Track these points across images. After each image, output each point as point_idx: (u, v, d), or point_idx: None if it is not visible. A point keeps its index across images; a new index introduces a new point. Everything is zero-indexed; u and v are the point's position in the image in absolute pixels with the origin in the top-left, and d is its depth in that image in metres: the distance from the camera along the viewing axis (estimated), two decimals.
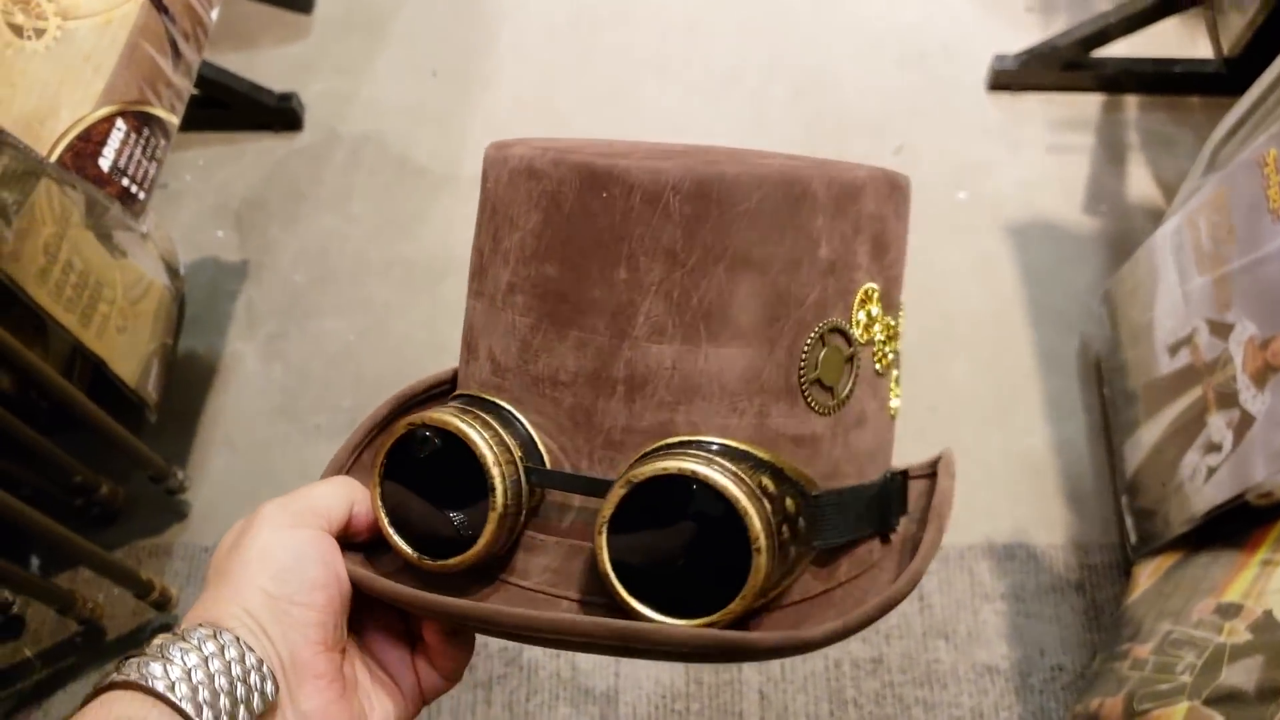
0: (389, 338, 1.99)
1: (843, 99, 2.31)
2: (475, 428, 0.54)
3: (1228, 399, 1.35)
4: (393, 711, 0.57)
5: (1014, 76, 2.26)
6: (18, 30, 1.14)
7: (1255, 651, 1.17)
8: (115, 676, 0.45)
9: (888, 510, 0.61)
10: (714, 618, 0.49)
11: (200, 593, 0.53)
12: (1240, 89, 1.53)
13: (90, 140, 1.18)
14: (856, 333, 0.56)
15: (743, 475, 0.50)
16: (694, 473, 0.49)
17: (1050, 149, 2.19)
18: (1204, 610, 1.28)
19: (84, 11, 1.23)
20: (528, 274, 0.56)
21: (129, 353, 1.66)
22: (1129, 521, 1.60)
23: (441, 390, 0.67)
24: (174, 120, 1.32)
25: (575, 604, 0.55)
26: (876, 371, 0.58)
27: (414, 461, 0.56)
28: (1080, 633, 1.61)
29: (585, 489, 0.54)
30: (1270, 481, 1.26)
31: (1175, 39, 2.32)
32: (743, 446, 0.53)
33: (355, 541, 0.58)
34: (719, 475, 0.49)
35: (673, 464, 0.50)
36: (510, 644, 1.59)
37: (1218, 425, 1.37)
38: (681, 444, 0.53)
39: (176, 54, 1.34)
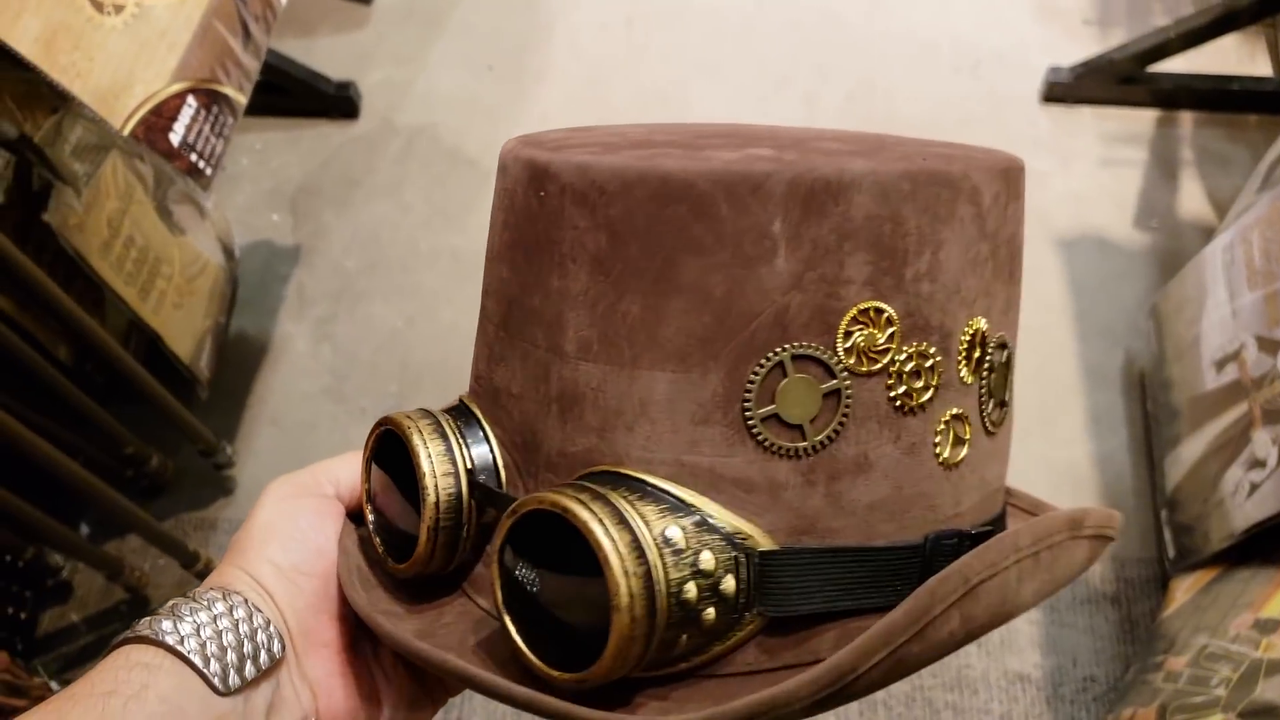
0: (436, 325, 2.01)
1: (893, 105, 2.31)
2: (422, 435, 0.52)
3: (1274, 415, 1.35)
4: (415, 698, 0.57)
5: (1068, 88, 2.25)
6: (99, 6, 1.16)
7: None
8: (129, 633, 0.47)
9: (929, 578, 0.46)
10: (581, 676, 0.44)
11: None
12: None
13: (162, 115, 1.21)
14: (845, 361, 0.47)
15: (631, 517, 0.44)
16: (564, 509, 0.44)
17: (1102, 162, 2.19)
18: (1241, 625, 1.28)
19: None
20: (493, 276, 0.53)
21: (184, 329, 1.69)
22: (1168, 536, 1.60)
23: None
24: (242, 99, 1.35)
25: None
26: (898, 409, 0.48)
27: (383, 460, 0.55)
28: (1114, 645, 1.61)
29: None
30: None
31: (1234, 56, 2.31)
32: (663, 485, 0.47)
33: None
34: (586, 515, 0.43)
35: (550, 496, 0.44)
36: None
37: (1262, 441, 1.37)
38: (596, 475, 0.48)
39: (247, 35, 1.37)
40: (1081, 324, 1.95)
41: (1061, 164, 2.19)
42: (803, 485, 0.47)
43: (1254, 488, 1.36)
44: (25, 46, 1.09)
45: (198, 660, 0.46)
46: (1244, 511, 1.38)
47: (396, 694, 0.56)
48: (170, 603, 0.49)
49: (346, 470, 0.58)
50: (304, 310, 2.03)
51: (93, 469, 1.45)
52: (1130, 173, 2.17)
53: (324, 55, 2.38)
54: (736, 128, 0.56)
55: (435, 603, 0.54)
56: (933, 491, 0.49)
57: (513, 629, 0.47)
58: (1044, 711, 1.56)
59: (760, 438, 0.46)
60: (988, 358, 0.51)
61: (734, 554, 0.45)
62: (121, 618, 1.70)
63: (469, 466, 0.52)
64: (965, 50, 2.39)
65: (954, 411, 0.49)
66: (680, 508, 0.46)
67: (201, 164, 1.26)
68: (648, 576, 0.43)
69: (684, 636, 0.45)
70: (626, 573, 0.42)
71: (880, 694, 1.57)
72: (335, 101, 2.30)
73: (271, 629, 0.50)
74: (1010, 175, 0.52)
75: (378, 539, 0.55)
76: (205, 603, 0.49)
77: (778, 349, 0.46)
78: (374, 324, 2.02)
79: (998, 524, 0.53)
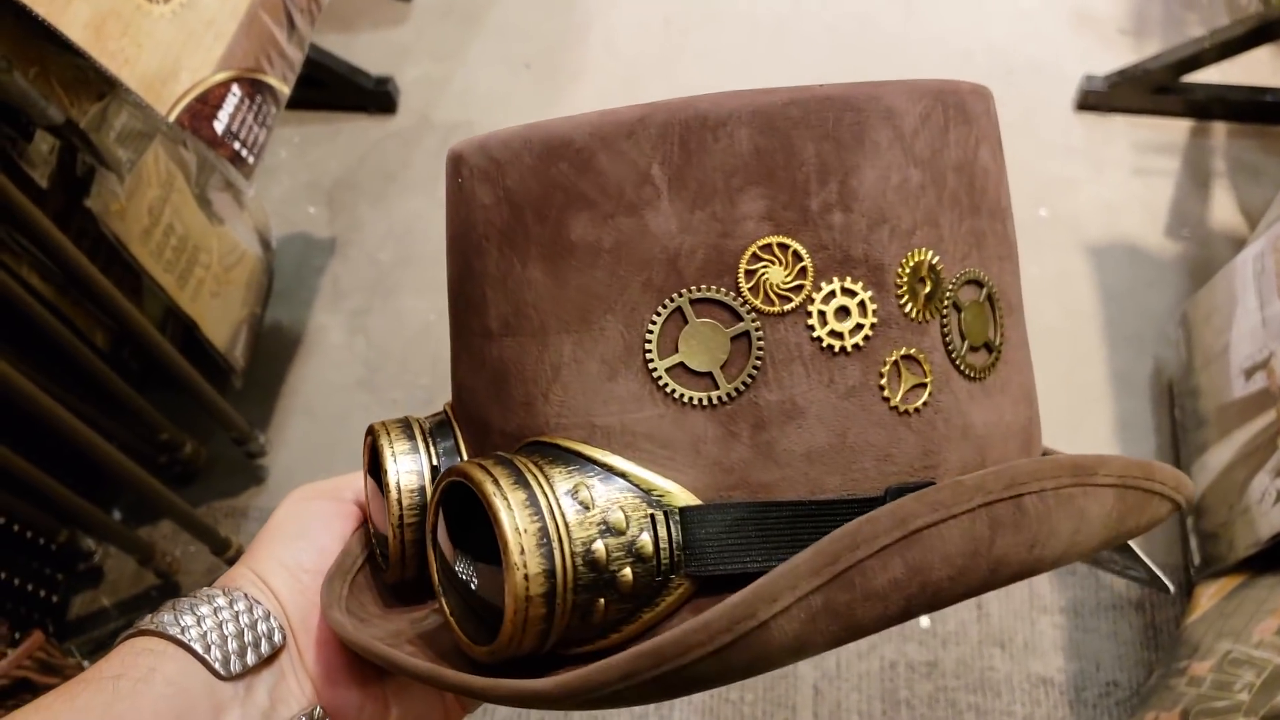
0: None
1: None
2: (389, 435, 0.53)
3: None
4: (427, 713, 0.57)
5: (1102, 97, 2.26)
6: None
7: None
8: (133, 629, 0.49)
9: None
10: (491, 646, 0.44)
11: None
12: None
13: (207, 103, 1.23)
14: (751, 301, 0.44)
15: (530, 476, 0.43)
16: (465, 474, 0.44)
17: (1135, 171, 2.19)
18: (1265, 631, 1.28)
19: None
20: (447, 277, 0.54)
21: (220, 318, 1.72)
22: (1193, 543, 1.60)
23: None
24: (285, 90, 1.37)
25: None
26: (825, 349, 0.44)
27: (371, 467, 0.55)
28: (1137, 651, 1.61)
29: None
30: None
31: (1268, 68, 2.31)
32: (574, 446, 0.45)
33: None
34: (480, 475, 0.43)
35: (458, 467, 0.45)
36: None
37: None
38: (521, 448, 0.47)
39: (291, 26, 1.39)
40: (1111, 330, 1.95)
41: (1094, 172, 2.19)
42: (724, 437, 0.44)
43: None
44: (75, 32, 1.11)
45: (199, 647, 0.48)
46: (1270, 519, 1.38)
47: (404, 694, 0.56)
48: (171, 600, 0.51)
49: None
50: (338, 302, 2.05)
51: (127, 455, 1.47)
52: (1162, 182, 2.17)
53: (363, 50, 2.40)
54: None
55: (425, 605, 0.55)
56: (885, 440, 0.45)
57: (445, 606, 0.47)
58: (1067, 715, 1.56)
59: (669, 389, 0.45)
60: (945, 294, 0.46)
61: (649, 511, 0.44)
62: (151, 603, 1.72)
63: (434, 464, 0.52)
64: (999, 58, 2.39)
65: (903, 352, 0.45)
66: (590, 467, 0.44)
67: (244, 152, 1.28)
68: (543, 533, 0.42)
69: (601, 601, 0.43)
70: (518, 529, 0.41)
71: (904, 694, 1.58)
72: (373, 96, 2.32)
73: (272, 620, 0.51)
74: (949, 96, 0.47)
75: (376, 546, 0.55)
76: (205, 598, 0.51)
77: (674, 295, 0.44)
78: (406, 317, 2.03)
79: None
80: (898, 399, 0.45)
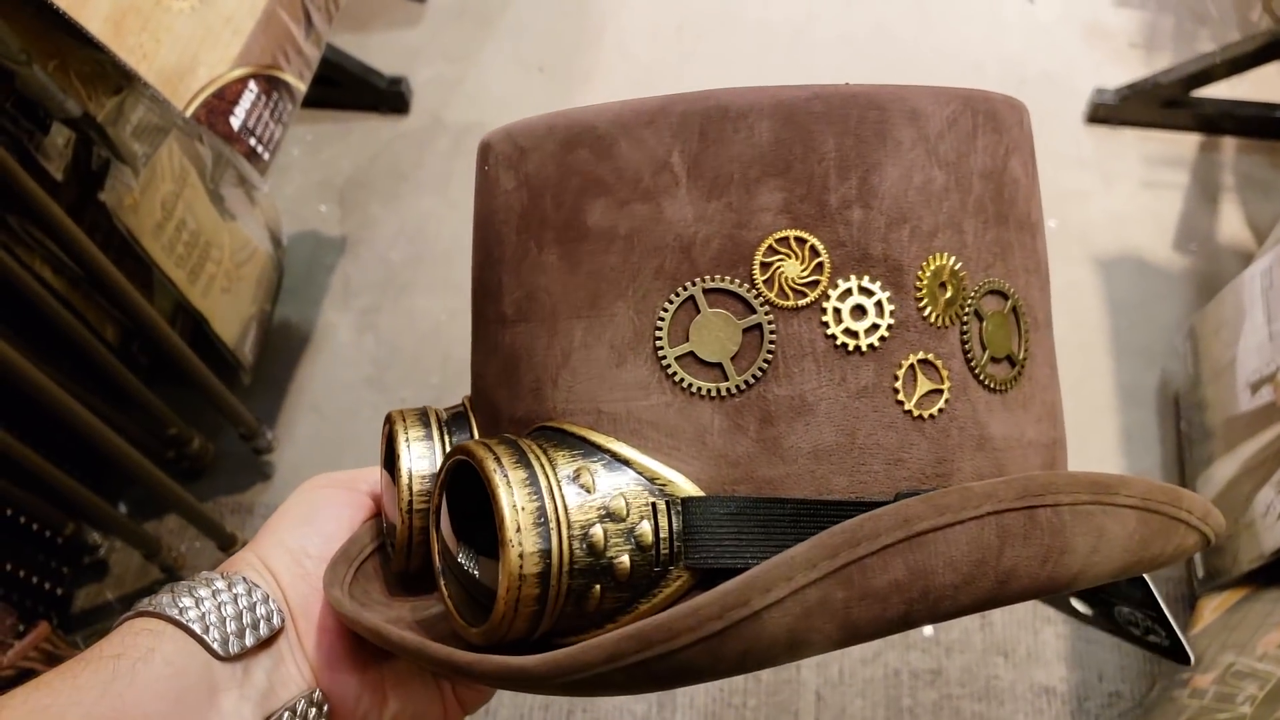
0: None
1: None
2: (404, 421, 0.53)
3: None
4: (426, 709, 0.57)
5: (1113, 110, 2.26)
6: None
7: None
8: (132, 611, 0.50)
9: None
10: (484, 627, 0.43)
11: None
12: None
13: (224, 99, 1.24)
14: (766, 294, 0.44)
15: (533, 457, 0.43)
16: (468, 452, 0.44)
17: (1144, 184, 2.19)
18: (1269, 644, 1.29)
19: None
20: (472, 266, 0.54)
21: (230, 314, 1.72)
22: (1197, 556, 1.60)
23: None
24: (301, 87, 1.38)
25: None
26: (839, 347, 0.44)
27: (387, 458, 0.55)
28: (1140, 662, 1.61)
29: None
30: None
31: (1279, 84, 2.31)
32: (580, 432, 0.45)
33: None
34: (482, 453, 0.43)
35: (463, 445, 0.45)
36: None
37: None
38: (529, 433, 0.47)
39: (309, 24, 1.39)
40: (1118, 343, 1.95)
41: (1104, 184, 2.19)
42: (730, 429, 0.44)
43: None
44: (95, 26, 1.12)
45: (197, 628, 0.48)
46: (1274, 533, 1.38)
47: (402, 688, 0.56)
48: (171, 584, 0.51)
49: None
50: (348, 300, 2.06)
51: (135, 449, 1.47)
52: (1171, 195, 2.17)
53: (377, 50, 2.41)
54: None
55: (430, 596, 0.54)
56: (896, 444, 0.44)
57: (444, 591, 0.47)
58: None
59: (677, 378, 0.44)
60: (967, 301, 0.46)
61: (651, 500, 0.43)
62: None
63: (446, 450, 0.52)
64: (1012, 69, 2.39)
65: (920, 356, 0.45)
66: (595, 453, 0.44)
67: (260, 148, 1.29)
68: (540, 513, 0.42)
69: (597, 587, 0.43)
70: (516, 506, 0.41)
71: (907, 701, 1.58)
72: (386, 96, 2.33)
73: (271, 603, 0.52)
74: (979, 103, 0.47)
75: (386, 536, 0.55)
76: (204, 581, 0.51)
77: (687, 283, 0.44)
78: (417, 316, 2.04)
79: None
80: (912, 403, 0.44)
